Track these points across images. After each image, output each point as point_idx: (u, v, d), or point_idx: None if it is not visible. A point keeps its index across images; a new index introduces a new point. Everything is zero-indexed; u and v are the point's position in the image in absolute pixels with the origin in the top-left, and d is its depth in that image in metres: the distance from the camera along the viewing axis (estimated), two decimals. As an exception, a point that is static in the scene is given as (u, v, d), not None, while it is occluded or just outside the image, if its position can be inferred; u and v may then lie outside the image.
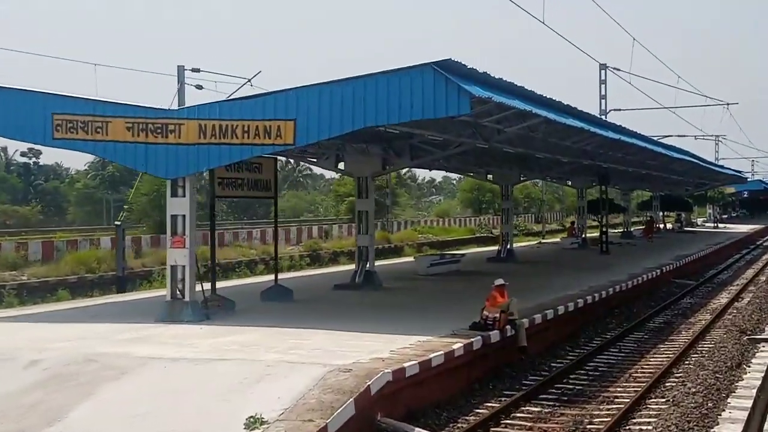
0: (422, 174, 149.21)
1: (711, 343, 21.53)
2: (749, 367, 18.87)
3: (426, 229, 71.53)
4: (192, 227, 18.40)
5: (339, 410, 10.86)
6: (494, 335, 16.80)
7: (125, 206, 60.54)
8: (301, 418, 10.57)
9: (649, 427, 13.36)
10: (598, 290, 25.52)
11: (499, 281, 17.94)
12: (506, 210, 35.35)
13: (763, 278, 39.26)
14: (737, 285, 36.64)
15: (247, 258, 44.97)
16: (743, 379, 17.41)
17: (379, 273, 27.13)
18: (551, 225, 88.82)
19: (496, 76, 17.27)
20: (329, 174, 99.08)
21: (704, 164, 50.36)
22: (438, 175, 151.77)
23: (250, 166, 21.05)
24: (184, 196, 18.33)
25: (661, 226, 67.91)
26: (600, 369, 18.45)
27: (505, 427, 13.70)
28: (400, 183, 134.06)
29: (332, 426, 10.52)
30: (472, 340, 15.86)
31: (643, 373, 18.03)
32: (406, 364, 13.31)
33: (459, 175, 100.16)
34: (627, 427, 13.58)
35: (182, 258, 18.32)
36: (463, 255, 32.26)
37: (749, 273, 42.40)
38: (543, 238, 61.22)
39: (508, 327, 17.45)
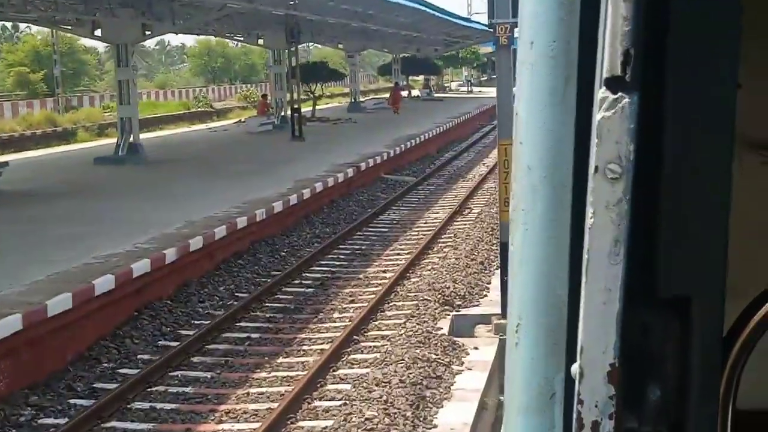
0: (177, 39, 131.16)
1: (371, 357, 10.45)
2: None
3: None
4: None
5: None
6: None
7: None
8: None
9: None
10: (196, 233, 13.82)
11: None
12: (122, 83, 22.42)
13: (508, 165, 29.06)
14: (472, 179, 26.35)
15: None
16: None
17: None
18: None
19: None
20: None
21: (440, 15, 39.34)
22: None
23: None
24: None
25: (405, 93, 57.17)
26: None
27: None
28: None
29: None
30: None
31: None
32: None
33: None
34: None
35: None
36: (3, 164, 19.22)
37: (493, 156, 32.20)
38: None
39: None
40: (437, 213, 20.57)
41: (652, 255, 0.84)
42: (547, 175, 0.90)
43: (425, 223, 19.43)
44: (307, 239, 17.28)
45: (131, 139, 22.76)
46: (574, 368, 0.85)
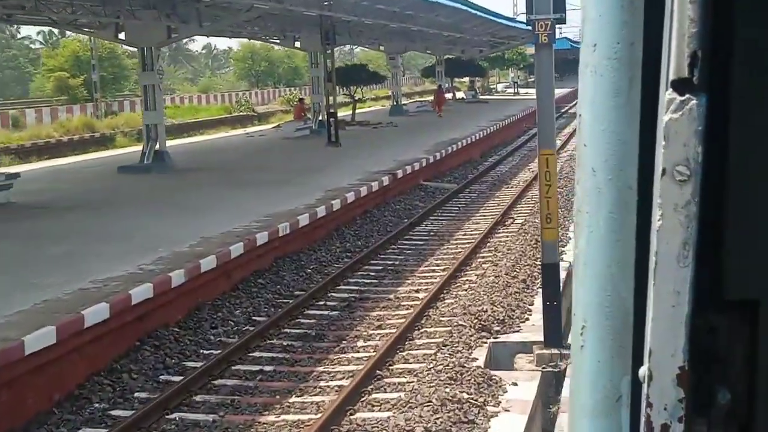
0: (223, 43, 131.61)
1: (395, 398, 9.21)
2: None
3: (168, 109, 56.87)
4: None
5: None
6: None
7: None
8: None
9: None
10: (210, 252, 12.69)
11: None
12: (147, 88, 21.39)
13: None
14: (515, 186, 24.93)
15: None
16: None
17: None
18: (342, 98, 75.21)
19: None
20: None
21: (483, 15, 37.89)
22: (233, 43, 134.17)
23: None
24: None
25: (449, 95, 55.77)
26: None
27: None
28: (178, 53, 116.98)
29: None
30: None
31: None
32: None
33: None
34: None
35: None
36: (15, 175, 18.17)
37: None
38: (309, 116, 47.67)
39: None
40: (478, 223, 19.27)
41: (719, 257, 0.83)
42: (612, 177, 0.90)
43: (464, 234, 18.15)
44: (336, 254, 16.11)
45: (157, 146, 21.77)
46: (642, 371, 0.84)
